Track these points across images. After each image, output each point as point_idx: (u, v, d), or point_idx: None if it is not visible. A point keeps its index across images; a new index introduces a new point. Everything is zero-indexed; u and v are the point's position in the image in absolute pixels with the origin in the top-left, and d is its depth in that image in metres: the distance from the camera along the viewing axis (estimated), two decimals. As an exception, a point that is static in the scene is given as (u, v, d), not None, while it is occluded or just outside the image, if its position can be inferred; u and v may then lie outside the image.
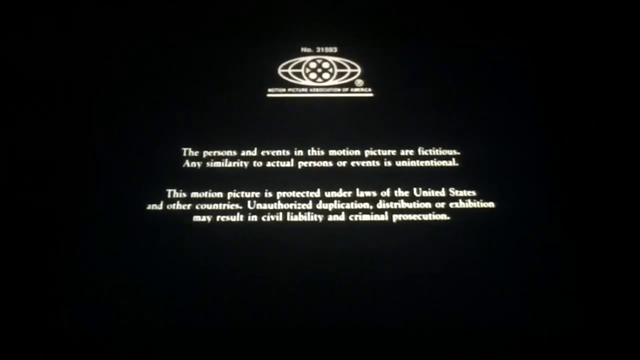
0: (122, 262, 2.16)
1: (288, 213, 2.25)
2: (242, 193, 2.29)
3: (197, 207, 2.26)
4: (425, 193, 2.30)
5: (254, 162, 2.37)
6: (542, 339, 2.04)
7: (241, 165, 2.36)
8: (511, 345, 2.04)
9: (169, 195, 2.28)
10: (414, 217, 2.25)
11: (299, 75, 2.59)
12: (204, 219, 2.24)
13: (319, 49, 2.66)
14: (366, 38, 2.70)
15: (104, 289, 2.11)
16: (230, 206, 2.26)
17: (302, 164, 2.37)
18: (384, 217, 2.25)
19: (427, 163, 2.37)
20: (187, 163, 2.36)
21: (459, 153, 2.39)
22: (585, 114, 2.49)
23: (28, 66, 2.53)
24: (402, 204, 2.27)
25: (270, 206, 2.27)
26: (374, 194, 2.29)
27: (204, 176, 2.33)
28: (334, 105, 2.52)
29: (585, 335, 2.04)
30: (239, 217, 2.24)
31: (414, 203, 2.28)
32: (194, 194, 2.28)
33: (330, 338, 2.06)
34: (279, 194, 2.29)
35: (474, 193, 2.30)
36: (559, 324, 2.07)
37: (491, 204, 2.28)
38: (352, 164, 2.37)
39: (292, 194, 2.29)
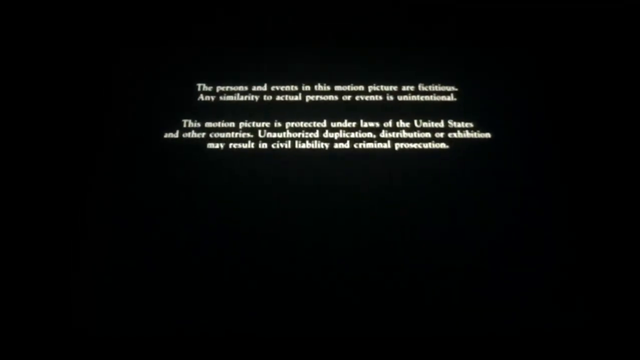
0: (141, 186, 2.31)
1: (296, 141, 2.39)
2: (253, 123, 2.43)
3: (210, 136, 2.40)
4: (425, 124, 2.44)
5: (264, 96, 2.51)
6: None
7: (252, 99, 2.51)
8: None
9: (184, 125, 2.42)
10: (415, 145, 2.39)
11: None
12: (217, 146, 2.38)
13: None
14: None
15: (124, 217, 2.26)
16: (242, 135, 2.41)
17: (309, 97, 2.51)
18: (386, 146, 2.39)
19: (427, 98, 2.52)
20: (201, 97, 2.51)
21: (456, 89, 2.53)
22: (581, 59, 2.62)
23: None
24: (404, 134, 2.41)
25: (280, 135, 2.41)
26: (377, 124, 2.43)
27: (218, 108, 2.47)
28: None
29: (586, 336, 2.06)
30: (250, 145, 2.39)
31: (415, 133, 2.42)
32: (208, 124, 2.43)
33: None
34: (288, 124, 2.43)
35: (471, 125, 2.44)
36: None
37: (488, 135, 2.42)
38: (357, 98, 2.51)
39: (300, 124, 2.43)
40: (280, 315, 2.07)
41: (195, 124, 2.43)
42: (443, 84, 2.54)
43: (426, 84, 2.54)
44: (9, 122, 2.41)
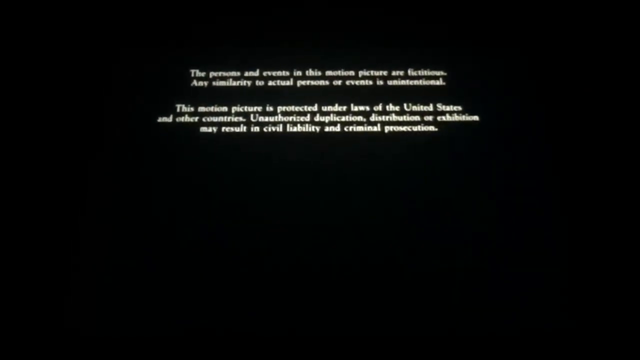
0: (133, 169, 2.35)
1: (288, 125, 2.44)
2: (245, 107, 2.47)
3: (203, 120, 2.45)
4: (415, 108, 2.48)
5: (257, 82, 2.55)
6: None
7: (244, 84, 2.55)
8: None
9: (178, 110, 2.47)
10: (404, 128, 2.44)
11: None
12: (209, 129, 2.43)
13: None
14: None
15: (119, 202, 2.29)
16: (234, 119, 2.45)
17: (300, 82, 2.55)
18: (376, 129, 2.43)
19: (416, 82, 2.56)
20: (194, 83, 2.55)
21: (445, 73, 2.58)
22: (569, 45, 2.67)
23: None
24: (393, 117, 2.46)
25: (272, 119, 2.45)
26: (367, 108, 2.48)
27: (210, 93, 2.51)
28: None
29: (578, 336, 2.06)
30: (242, 128, 2.43)
31: (404, 116, 2.46)
32: (201, 109, 2.47)
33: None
34: (280, 108, 2.47)
35: (459, 108, 2.48)
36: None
37: (476, 117, 2.47)
38: (347, 82, 2.55)
39: (292, 108, 2.47)
40: (276, 308, 2.09)
41: (188, 108, 2.47)
42: (432, 68, 2.59)
43: (415, 69, 2.59)
44: (8, 109, 2.46)
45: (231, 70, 2.57)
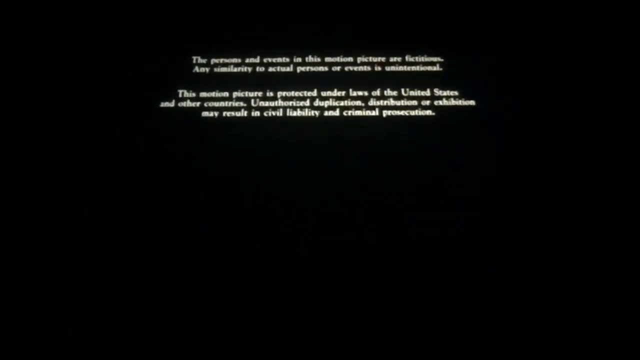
0: (136, 152, 2.40)
1: (288, 109, 2.49)
2: (246, 93, 2.52)
3: (205, 105, 2.50)
4: (412, 93, 2.53)
5: (257, 68, 2.61)
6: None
7: (245, 70, 2.60)
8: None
9: (180, 95, 2.52)
10: (402, 112, 2.49)
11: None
12: (211, 114, 2.48)
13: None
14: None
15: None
16: (235, 104, 2.50)
17: (300, 68, 2.60)
18: (374, 113, 2.48)
19: (414, 68, 2.61)
20: (196, 69, 2.60)
21: (442, 60, 2.63)
22: (564, 33, 2.71)
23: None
24: (391, 102, 2.51)
25: (272, 104, 2.50)
26: (366, 93, 2.52)
27: (212, 79, 2.57)
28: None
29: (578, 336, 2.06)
30: (243, 113, 2.48)
31: (402, 101, 2.51)
32: (203, 94, 2.52)
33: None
34: (280, 94, 2.52)
35: (456, 93, 2.53)
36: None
37: (472, 102, 2.52)
38: (346, 68, 2.60)
39: (292, 93, 2.52)
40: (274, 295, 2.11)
41: (190, 94, 2.52)
42: (429, 54, 2.63)
43: (413, 55, 2.64)
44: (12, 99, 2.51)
45: (232, 57, 2.62)
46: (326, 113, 2.48)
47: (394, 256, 2.17)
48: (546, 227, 2.23)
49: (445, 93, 2.52)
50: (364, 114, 2.48)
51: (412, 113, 2.48)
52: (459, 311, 2.08)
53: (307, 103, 2.50)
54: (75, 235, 2.22)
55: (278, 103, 2.50)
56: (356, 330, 2.06)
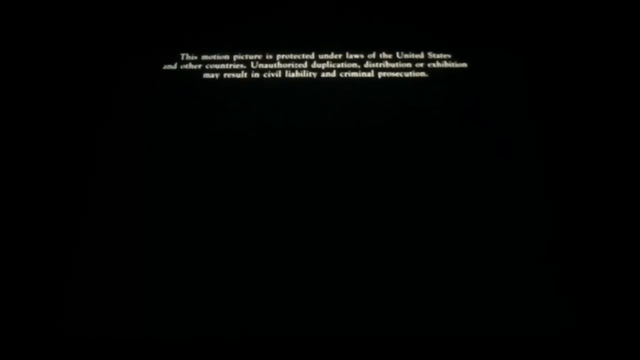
0: (140, 113, 2.49)
1: (286, 71, 2.58)
2: (246, 56, 2.61)
3: (206, 67, 2.59)
4: (406, 56, 2.62)
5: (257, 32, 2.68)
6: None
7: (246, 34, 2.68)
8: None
9: (182, 58, 2.61)
10: (397, 74, 2.57)
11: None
12: (212, 76, 2.57)
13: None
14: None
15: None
16: (235, 66, 2.59)
17: (299, 32, 2.67)
18: (370, 75, 2.57)
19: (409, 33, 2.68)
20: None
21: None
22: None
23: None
24: (386, 64, 2.60)
25: (271, 66, 2.59)
26: (362, 56, 2.61)
27: (212, 43, 2.65)
28: None
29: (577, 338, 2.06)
30: (243, 75, 2.57)
31: (397, 63, 2.60)
32: (204, 57, 2.61)
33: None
34: (279, 56, 2.61)
35: (449, 56, 2.62)
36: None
37: (464, 64, 2.60)
38: (343, 32, 2.68)
39: (290, 56, 2.61)
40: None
41: (192, 57, 2.62)
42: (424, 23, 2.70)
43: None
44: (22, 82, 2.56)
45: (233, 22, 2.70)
46: (323, 75, 2.56)
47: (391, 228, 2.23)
48: (546, 227, 2.24)
49: (438, 56, 2.61)
50: (359, 75, 2.56)
51: (407, 75, 2.57)
52: (459, 311, 2.09)
53: (305, 65, 2.59)
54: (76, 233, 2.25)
55: (277, 65, 2.59)
56: (356, 330, 2.08)
